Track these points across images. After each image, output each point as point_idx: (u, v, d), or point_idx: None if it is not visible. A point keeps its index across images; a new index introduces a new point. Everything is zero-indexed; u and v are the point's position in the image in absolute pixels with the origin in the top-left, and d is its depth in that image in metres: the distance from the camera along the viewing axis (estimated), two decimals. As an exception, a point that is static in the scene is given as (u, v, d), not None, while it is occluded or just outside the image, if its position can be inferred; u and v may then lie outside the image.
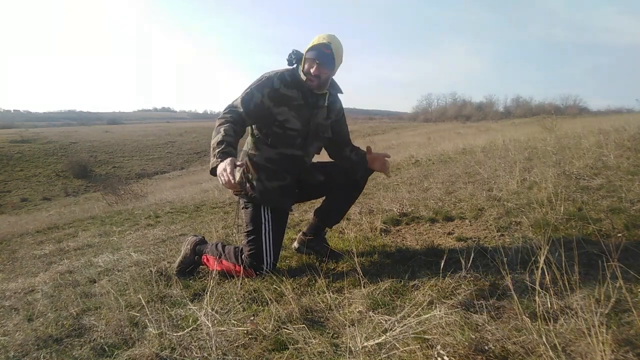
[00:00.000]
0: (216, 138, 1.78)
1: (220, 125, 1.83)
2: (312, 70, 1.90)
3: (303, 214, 3.50)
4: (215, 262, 2.01)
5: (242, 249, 1.99)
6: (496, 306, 1.36)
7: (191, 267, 2.14)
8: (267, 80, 1.92)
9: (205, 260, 2.10)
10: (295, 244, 2.30)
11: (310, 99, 1.98)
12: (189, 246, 2.15)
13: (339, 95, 2.13)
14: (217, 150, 1.72)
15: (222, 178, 1.62)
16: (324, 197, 2.23)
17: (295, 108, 1.95)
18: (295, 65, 2.00)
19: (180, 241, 3.17)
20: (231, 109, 1.89)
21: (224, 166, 1.63)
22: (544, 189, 2.67)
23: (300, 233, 2.29)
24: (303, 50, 1.97)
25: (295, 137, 1.98)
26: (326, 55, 1.88)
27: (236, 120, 1.86)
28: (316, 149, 2.12)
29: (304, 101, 1.97)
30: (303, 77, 1.93)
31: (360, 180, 2.15)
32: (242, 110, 1.88)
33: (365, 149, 2.16)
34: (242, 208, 2.03)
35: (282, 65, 2.03)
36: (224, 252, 2.02)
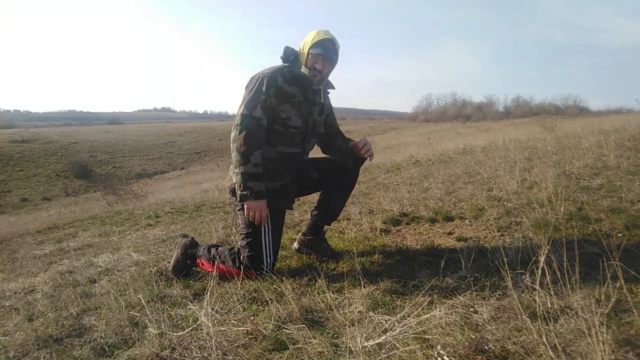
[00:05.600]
0: (249, 167, 1.81)
1: (252, 145, 1.82)
2: (317, 66, 1.94)
3: (303, 214, 3.50)
4: (212, 267, 1.99)
5: (238, 250, 1.97)
6: (496, 306, 1.36)
7: (186, 270, 2.12)
8: (271, 80, 1.89)
9: (200, 265, 2.09)
10: (295, 245, 2.29)
11: (309, 96, 2.00)
12: (179, 250, 2.13)
13: (331, 91, 2.16)
14: (251, 184, 1.82)
15: (254, 216, 1.84)
16: (319, 195, 2.23)
17: (296, 105, 1.95)
18: (290, 61, 1.98)
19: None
20: (256, 120, 1.85)
21: (259, 208, 1.83)
22: (544, 189, 2.67)
23: (300, 234, 2.29)
24: (300, 47, 1.99)
25: (295, 134, 1.98)
26: (331, 50, 1.94)
27: (262, 136, 1.88)
28: (312, 145, 2.14)
29: (303, 97, 1.98)
30: (305, 72, 1.94)
31: (353, 170, 2.13)
32: (265, 119, 1.87)
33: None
34: (239, 210, 1.99)
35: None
36: (218, 256, 1.99)
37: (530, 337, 1.14)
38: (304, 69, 1.94)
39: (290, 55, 1.98)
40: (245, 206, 1.86)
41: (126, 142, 35.27)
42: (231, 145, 1.87)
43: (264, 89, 1.87)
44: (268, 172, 1.92)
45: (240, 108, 1.88)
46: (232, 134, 1.86)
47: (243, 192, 1.82)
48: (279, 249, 2.06)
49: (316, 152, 2.21)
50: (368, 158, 2.06)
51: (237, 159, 1.83)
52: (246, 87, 1.95)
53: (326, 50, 1.92)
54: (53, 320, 1.73)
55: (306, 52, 1.93)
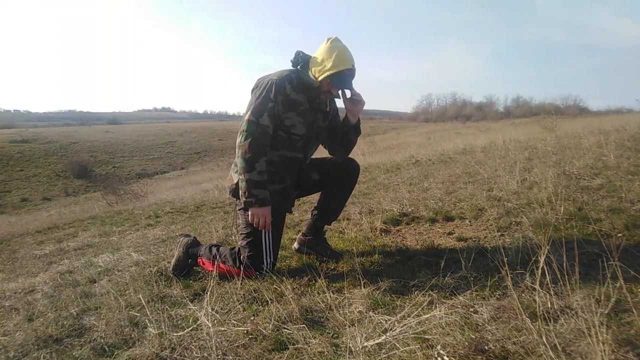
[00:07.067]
0: (254, 175, 1.81)
1: (257, 153, 1.82)
2: (332, 92, 1.95)
3: (303, 214, 3.50)
4: (212, 266, 2.00)
5: (238, 250, 1.98)
6: (496, 306, 1.36)
7: (186, 270, 2.14)
8: (280, 87, 1.86)
9: (201, 264, 2.09)
10: (295, 245, 2.30)
11: (314, 103, 1.98)
12: (181, 249, 2.14)
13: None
14: (256, 192, 1.82)
15: (258, 222, 1.85)
16: (320, 195, 2.22)
17: (302, 113, 1.94)
18: (299, 67, 1.97)
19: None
20: (263, 127, 1.84)
21: (264, 215, 1.85)
22: (544, 189, 2.67)
23: (300, 234, 2.29)
24: (315, 57, 1.92)
25: (298, 140, 1.98)
26: (349, 78, 1.92)
27: (267, 144, 1.88)
28: (314, 150, 2.14)
29: (309, 105, 1.96)
30: (312, 77, 1.92)
31: (353, 170, 2.13)
32: (271, 127, 1.86)
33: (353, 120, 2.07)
34: (239, 210, 2.01)
35: (285, 66, 2.01)
36: (219, 255, 2.00)
37: (530, 337, 1.14)
38: (311, 75, 1.93)
39: (300, 61, 1.95)
40: (249, 212, 1.86)
41: (126, 142, 35.26)
42: (236, 150, 1.86)
43: (271, 96, 1.85)
44: (269, 174, 1.91)
45: (247, 113, 1.86)
46: (238, 140, 1.85)
47: (248, 200, 1.82)
48: (279, 249, 2.07)
49: (318, 152, 2.21)
50: (353, 104, 2.00)
51: (242, 165, 1.83)
52: (253, 91, 1.92)
53: (346, 85, 1.93)
54: (53, 320, 1.73)
55: (324, 76, 1.87)
